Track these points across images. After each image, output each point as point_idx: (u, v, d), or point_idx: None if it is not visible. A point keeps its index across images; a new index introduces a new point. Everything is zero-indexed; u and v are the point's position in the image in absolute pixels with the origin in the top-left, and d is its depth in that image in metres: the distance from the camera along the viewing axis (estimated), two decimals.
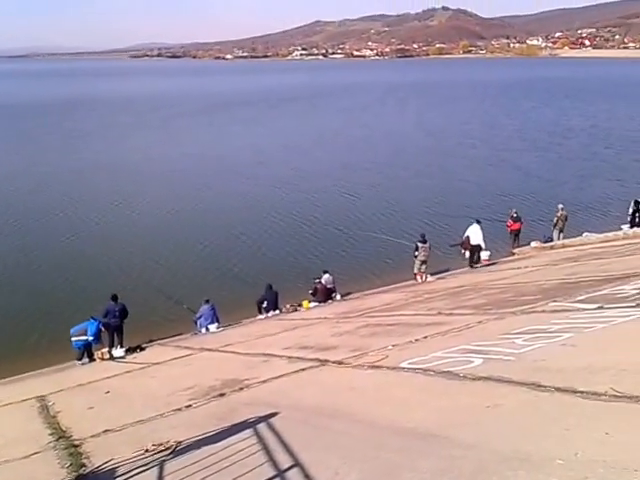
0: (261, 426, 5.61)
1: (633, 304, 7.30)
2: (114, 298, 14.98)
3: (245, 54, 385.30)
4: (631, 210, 21.66)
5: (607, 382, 4.58)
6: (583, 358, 5.55)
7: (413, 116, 65.63)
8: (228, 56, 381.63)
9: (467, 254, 19.68)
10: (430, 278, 18.57)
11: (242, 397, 7.23)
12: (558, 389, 4.76)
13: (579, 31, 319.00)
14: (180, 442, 5.47)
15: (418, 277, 18.67)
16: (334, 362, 8.01)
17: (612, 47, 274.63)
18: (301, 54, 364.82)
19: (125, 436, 6.22)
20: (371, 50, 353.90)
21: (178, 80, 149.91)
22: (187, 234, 24.78)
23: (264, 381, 7.69)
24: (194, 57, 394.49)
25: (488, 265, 19.29)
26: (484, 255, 19.60)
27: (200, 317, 15.85)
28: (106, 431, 6.46)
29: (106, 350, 14.17)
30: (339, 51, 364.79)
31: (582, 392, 4.54)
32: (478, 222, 19.85)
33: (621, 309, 7.20)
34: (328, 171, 37.34)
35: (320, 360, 8.29)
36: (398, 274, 19.48)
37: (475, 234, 19.44)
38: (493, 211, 23.66)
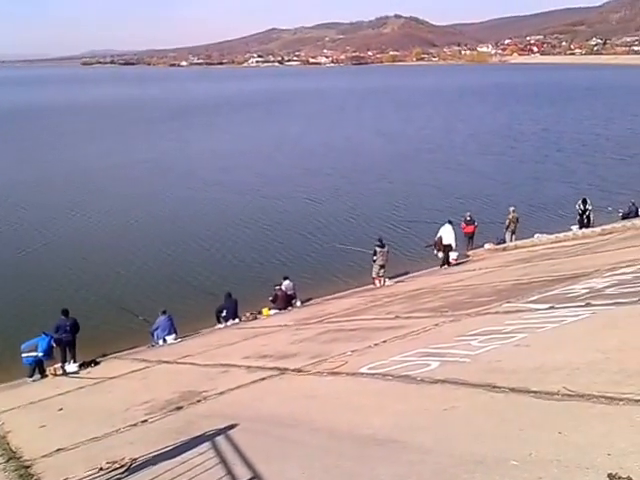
0: (219, 439, 5.51)
1: (582, 303, 7.45)
2: (65, 313, 14.56)
3: (200, 61, 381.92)
4: (579, 209, 22.24)
5: (560, 381, 4.65)
6: (536, 358, 5.63)
7: (372, 122, 66.08)
8: (183, 63, 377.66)
9: (440, 254, 20.06)
10: (389, 282, 18.71)
11: (200, 410, 7.11)
12: (512, 390, 4.81)
13: (527, 38, 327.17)
14: (135, 459, 5.33)
15: (377, 281, 18.78)
16: (294, 370, 7.95)
17: (559, 53, 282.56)
18: (257, 61, 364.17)
19: (78, 455, 6.03)
20: (327, 57, 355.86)
21: (131, 88, 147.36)
22: (141, 243, 24.38)
23: (222, 392, 7.59)
24: (148, 64, 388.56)
25: (456, 265, 19.65)
26: (453, 255, 20.00)
27: (157, 328, 15.51)
28: (58, 450, 6.25)
29: (59, 366, 13.77)
30: (295, 58, 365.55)
31: (536, 392, 4.60)
32: (450, 222, 20.29)
33: (571, 309, 7.34)
34: (289, 177, 37.37)
35: (279, 369, 8.22)
36: (358, 278, 19.56)
37: (447, 234, 19.87)
38: (450, 214, 23.86)
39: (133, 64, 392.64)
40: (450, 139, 51.75)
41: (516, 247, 20.32)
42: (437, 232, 20.24)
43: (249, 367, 8.88)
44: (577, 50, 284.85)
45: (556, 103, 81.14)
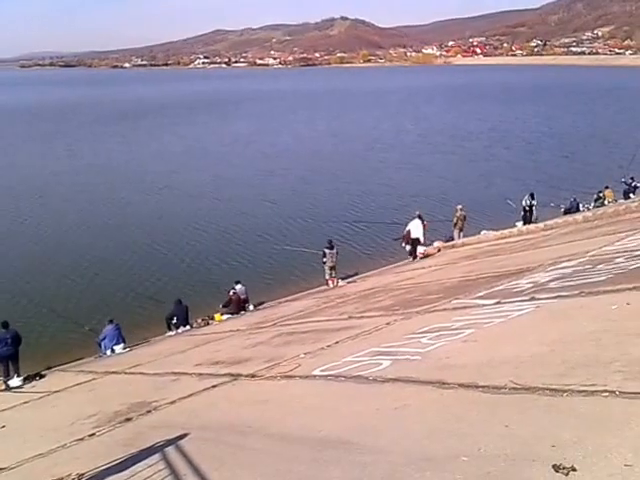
0: (169, 449, 5.40)
1: (527, 298, 7.62)
2: (4, 325, 13.95)
3: (144, 62, 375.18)
4: (526, 204, 22.87)
5: (507, 375, 4.73)
6: (484, 353, 5.73)
7: (323, 123, 66.36)
8: (126, 65, 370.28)
9: (408, 247, 20.46)
10: (342, 282, 18.79)
11: (150, 420, 6.96)
12: (461, 385, 4.87)
13: (470, 40, 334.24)
14: (82, 474, 5.17)
15: (330, 282, 18.84)
16: (246, 375, 7.88)
17: (501, 54, 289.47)
18: (203, 62, 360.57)
19: (22, 473, 5.81)
20: (274, 59, 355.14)
21: (72, 90, 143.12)
22: (86, 250, 23.65)
23: (173, 401, 7.44)
24: (89, 66, 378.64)
25: (423, 258, 20.02)
26: (420, 249, 20.37)
27: (104, 338, 15.08)
28: (0, 470, 6.01)
29: (1, 381, 13.26)
30: (242, 60, 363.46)
31: (484, 387, 4.67)
32: (420, 217, 20.70)
33: (517, 303, 7.50)
34: (240, 178, 37.09)
35: (232, 374, 8.13)
36: (311, 280, 19.58)
37: (415, 228, 20.25)
38: (403, 213, 24.13)
39: (74, 66, 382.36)
40: (400, 139, 52.47)
41: (463, 244, 20.68)
42: (405, 226, 20.64)
43: (201, 374, 8.75)
44: (518, 51, 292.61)
45: (501, 103, 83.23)
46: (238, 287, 17.64)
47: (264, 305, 17.86)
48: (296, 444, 4.88)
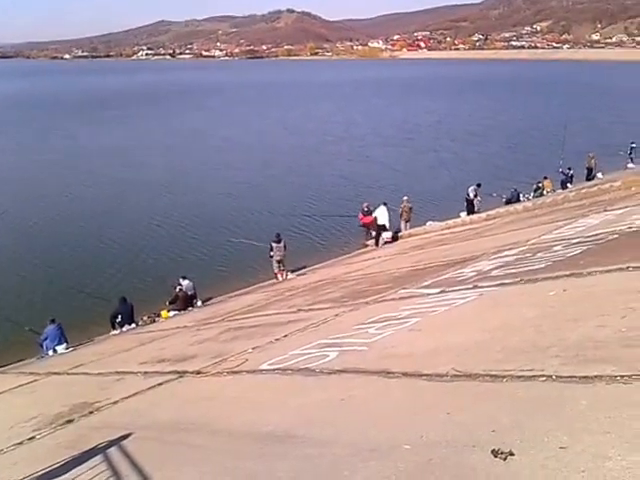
0: (112, 450, 5.29)
1: (470, 286, 7.77)
2: None
3: (85, 54, 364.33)
4: (473, 193, 23.34)
5: (450, 363, 4.80)
6: (428, 341, 5.81)
7: (274, 115, 65.78)
8: (66, 56, 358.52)
9: (374, 233, 21.11)
10: (291, 275, 18.74)
11: (92, 421, 6.78)
12: (406, 374, 4.92)
13: (415, 34, 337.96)
14: None
15: (279, 275, 18.77)
16: (192, 372, 7.76)
17: (445, 48, 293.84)
18: (147, 54, 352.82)
19: None
20: (220, 50, 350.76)
21: (9, 82, 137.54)
22: (25, 247, 22.73)
23: (117, 401, 7.26)
24: (28, 57, 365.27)
25: (388, 243, 20.62)
26: (386, 235, 20.97)
27: (46, 338, 14.56)
28: None
29: None
30: (187, 51, 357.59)
31: (427, 375, 4.72)
32: (385, 204, 21.33)
33: (461, 291, 7.64)
34: (191, 172, 36.44)
35: (178, 372, 8.00)
36: (261, 274, 19.42)
37: (381, 215, 20.89)
38: (354, 204, 24.07)
39: (11, 57, 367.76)
40: (351, 131, 52.61)
41: (410, 235, 20.97)
42: (372, 213, 21.09)
43: (146, 373, 8.57)
44: (461, 45, 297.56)
45: (446, 96, 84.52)
46: (185, 283, 17.34)
47: (212, 300, 17.63)
48: (242, 440, 4.83)
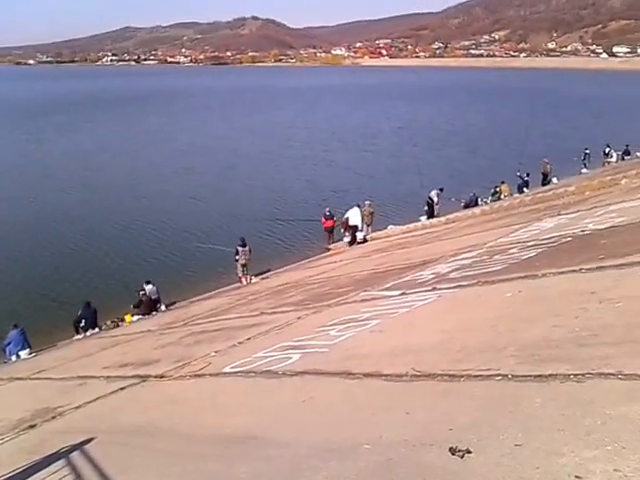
0: (75, 454, 5.20)
1: (430, 288, 7.84)
2: None
3: (50, 59, 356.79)
4: (436, 198, 23.59)
5: (409, 363, 4.82)
6: (388, 342, 5.83)
7: (239, 120, 65.45)
8: (30, 61, 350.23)
9: (347, 234, 21.33)
10: (255, 279, 18.62)
11: (55, 426, 6.66)
12: (366, 375, 4.92)
13: (377, 42, 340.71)
14: None
15: (243, 279, 18.64)
16: (156, 376, 7.66)
17: (406, 56, 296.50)
18: (111, 60, 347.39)
19: None
20: (185, 57, 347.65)
21: None
22: None
23: (79, 406, 7.14)
24: None
25: (361, 243, 20.74)
26: (359, 235, 21.08)
27: (9, 344, 14.24)
28: None
29: None
30: (152, 57, 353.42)
31: (387, 375, 4.73)
32: (358, 206, 21.61)
33: (420, 293, 7.70)
34: (156, 176, 36.00)
35: (141, 376, 7.90)
36: (224, 278, 19.23)
37: (354, 216, 21.14)
38: (319, 208, 24.08)
39: None
40: (315, 136, 52.71)
41: (372, 239, 21.07)
42: (344, 214, 21.40)
43: (109, 377, 8.43)
44: (422, 53, 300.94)
45: (407, 102, 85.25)
46: (148, 287, 17.08)
47: (176, 305, 17.39)
48: (205, 442, 4.79)
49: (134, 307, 16.63)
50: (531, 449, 2.90)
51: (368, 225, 22.41)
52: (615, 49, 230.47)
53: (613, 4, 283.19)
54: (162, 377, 7.51)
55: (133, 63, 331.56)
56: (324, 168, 38.60)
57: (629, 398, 3.12)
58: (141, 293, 16.85)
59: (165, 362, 8.40)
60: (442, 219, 20.84)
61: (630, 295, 5.02)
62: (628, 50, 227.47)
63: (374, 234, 21.75)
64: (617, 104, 72.88)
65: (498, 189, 25.66)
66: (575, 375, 3.63)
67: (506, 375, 3.97)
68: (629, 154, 32.99)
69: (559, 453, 2.77)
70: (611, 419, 2.96)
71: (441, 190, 24.10)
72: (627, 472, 2.44)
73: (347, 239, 21.31)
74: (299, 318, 8.85)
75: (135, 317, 16.38)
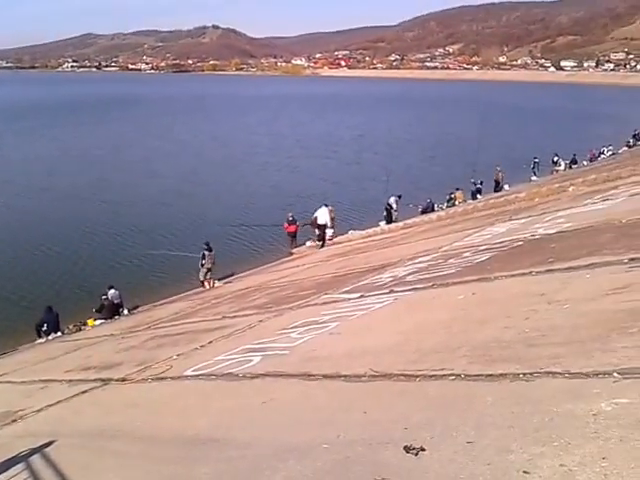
0: (34, 458, 5.08)
1: (387, 291, 7.89)
2: None
3: (10, 65, 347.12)
4: (395, 205, 23.79)
5: (367, 364, 4.83)
6: (347, 344, 5.84)
7: (203, 127, 64.66)
8: None
9: (317, 231, 21.67)
10: (218, 283, 18.43)
11: (15, 430, 6.50)
12: (325, 376, 4.92)
13: (336, 53, 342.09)
14: None
15: (206, 284, 18.42)
16: (117, 380, 7.53)
17: (364, 67, 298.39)
18: (72, 66, 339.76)
19: None
20: (146, 64, 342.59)
21: None
22: None
23: (40, 410, 6.96)
24: None
25: (330, 240, 21.26)
26: (329, 232, 21.49)
27: None
28: None
29: None
30: (113, 64, 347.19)
31: (346, 376, 4.73)
32: (326, 205, 21.89)
33: (378, 296, 7.74)
34: (121, 182, 35.13)
35: (103, 379, 7.76)
36: (187, 282, 18.96)
37: (322, 215, 21.38)
38: (283, 213, 23.99)
39: None
40: (279, 144, 52.53)
41: (334, 243, 21.13)
42: (314, 213, 21.70)
43: (71, 381, 8.27)
44: (379, 65, 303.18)
45: (366, 111, 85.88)
46: (111, 292, 16.73)
47: (139, 309, 17.08)
48: (166, 445, 4.71)
49: (96, 311, 16.28)
50: (482, 446, 2.93)
51: (330, 229, 22.44)
52: (562, 63, 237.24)
53: (561, 20, 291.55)
54: (124, 380, 7.38)
55: (94, 70, 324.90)
56: (288, 174, 38.55)
57: (575, 396, 3.18)
58: (103, 297, 16.50)
59: (127, 365, 8.26)
60: (400, 224, 21.04)
61: (576, 297, 5.14)
62: (575, 64, 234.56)
63: (336, 239, 21.80)
64: (564, 115, 75.06)
65: (453, 195, 26.05)
66: (524, 374, 3.68)
67: (459, 375, 4.01)
68: (576, 163, 34.10)
69: (509, 450, 2.80)
70: (558, 416, 3.01)
71: (399, 197, 24.33)
72: (572, 467, 2.49)
73: (315, 239, 21.65)
74: (261, 321, 8.79)
75: (98, 321, 16.03)
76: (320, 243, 21.39)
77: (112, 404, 6.68)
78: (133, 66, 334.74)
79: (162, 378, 6.91)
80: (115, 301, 16.71)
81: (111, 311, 16.44)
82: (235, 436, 4.31)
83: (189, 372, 6.68)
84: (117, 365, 8.60)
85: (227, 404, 5.22)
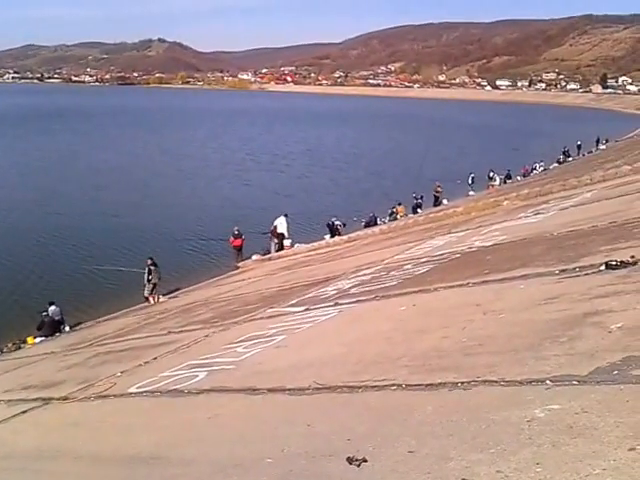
0: None
1: (332, 303, 7.93)
2: None
3: None
4: (337, 222, 23.98)
5: (311, 376, 4.82)
6: (292, 357, 5.83)
7: (152, 140, 63.42)
8: None
9: (275, 241, 22.10)
10: (163, 298, 18.05)
11: None
12: (270, 390, 4.88)
13: (282, 68, 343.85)
14: None
15: (151, 299, 18.02)
16: (59, 398, 7.25)
17: (309, 83, 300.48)
18: (13, 77, 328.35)
19: None
20: (90, 76, 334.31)
21: None
22: None
23: None
24: None
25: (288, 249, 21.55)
26: (286, 242, 21.84)
27: None
28: None
29: None
30: (56, 76, 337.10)
31: (290, 389, 4.71)
32: (285, 215, 22.30)
33: (323, 309, 7.77)
34: (66, 194, 34.03)
35: (44, 399, 7.45)
36: (132, 298, 18.44)
37: (280, 225, 21.86)
38: (230, 227, 23.78)
39: None
40: (229, 157, 52.24)
41: (280, 257, 21.08)
42: (272, 223, 22.13)
43: (10, 401, 7.91)
44: (324, 81, 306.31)
45: (313, 127, 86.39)
46: (52, 308, 16.11)
47: (81, 326, 16.49)
48: (108, 464, 4.57)
49: (37, 329, 15.64)
50: (422, 455, 2.97)
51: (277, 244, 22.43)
52: (498, 82, 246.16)
53: (496, 41, 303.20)
54: (66, 399, 7.12)
55: (36, 81, 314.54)
56: (238, 187, 38.40)
57: (510, 403, 3.26)
58: (43, 314, 15.88)
59: (69, 384, 7.98)
60: (344, 237, 21.22)
61: (511, 307, 5.31)
62: (509, 83, 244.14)
63: (282, 252, 21.77)
64: (499, 132, 77.79)
65: (395, 209, 26.49)
66: (462, 383, 3.75)
67: (400, 385, 4.06)
68: (510, 178, 35.37)
69: (448, 457, 2.84)
70: (494, 423, 3.07)
71: (343, 225, 24.47)
72: (508, 473, 2.54)
73: (274, 247, 22.01)
74: (207, 336, 8.67)
75: (38, 339, 15.40)
76: (277, 251, 21.65)
77: (53, 424, 6.44)
78: (76, 78, 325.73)
79: (105, 396, 6.71)
80: (56, 318, 16.10)
81: (52, 328, 15.82)
82: (179, 453, 4.22)
83: (133, 389, 6.51)
84: (58, 384, 8.29)
85: (171, 421, 5.10)
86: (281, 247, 21.69)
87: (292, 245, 21.80)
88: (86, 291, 19.48)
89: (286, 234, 21.89)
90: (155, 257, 18.72)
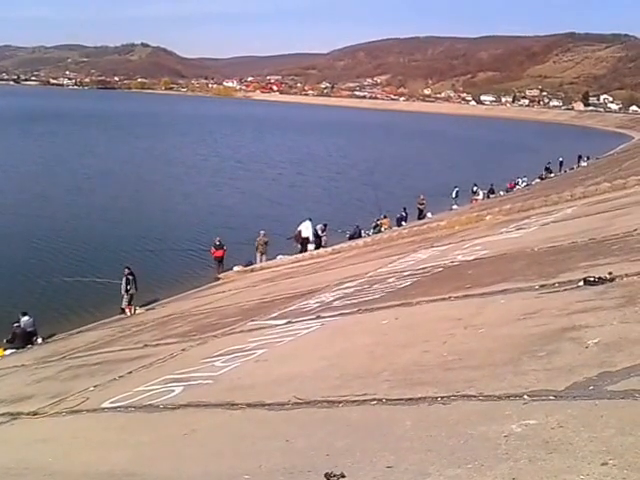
0: None
1: (314, 316, 7.95)
2: None
3: None
4: (320, 231, 24.04)
5: (291, 391, 4.83)
6: (272, 371, 5.83)
7: (138, 145, 63.25)
8: None
9: (299, 246, 22.40)
10: (139, 310, 17.92)
11: None
12: (249, 405, 4.88)
13: (268, 77, 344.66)
14: None
15: (127, 310, 17.89)
16: (28, 414, 7.15)
17: (295, 93, 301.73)
18: None
19: None
20: (69, 79, 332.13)
21: None
22: None
23: None
24: None
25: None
26: (310, 247, 22.17)
27: None
28: None
29: None
30: (33, 78, 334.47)
31: (269, 404, 4.72)
32: (310, 220, 22.72)
33: (305, 322, 7.78)
34: (44, 200, 33.63)
35: (12, 414, 7.36)
36: (107, 309, 18.28)
37: (306, 229, 22.23)
38: (211, 237, 23.63)
39: None
40: (221, 165, 52.38)
41: (262, 268, 21.05)
42: (297, 226, 22.51)
43: None
44: (310, 91, 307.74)
45: (303, 136, 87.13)
46: (24, 319, 15.90)
47: (55, 337, 16.26)
48: None
49: (8, 341, 15.43)
50: (401, 470, 2.99)
51: (262, 254, 22.39)
52: (482, 97, 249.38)
53: (481, 57, 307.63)
54: (35, 414, 7.03)
55: (12, 83, 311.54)
56: (229, 195, 38.40)
57: (488, 418, 3.31)
58: (15, 325, 15.67)
59: (40, 398, 7.88)
60: (328, 250, 21.26)
61: (491, 322, 5.38)
62: (493, 99, 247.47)
63: (264, 263, 21.75)
64: (483, 146, 78.78)
65: (379, 222, 26.64)
66: (442, 397, 3.79)
67: (381, 399, 4.09)
68: (494, 192, 35.87)
69: (426, 473, 2.87)
70: (472, 438, 3.11)
71: (325, 226, 24.59)
72: None
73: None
74: (184, 350, 8.63)
75: (8, 351, 15.18)
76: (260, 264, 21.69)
77: (22, 440, 6.34)
78: (55, 81, 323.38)
79: (77, 411, 6.64)
80: (28, 329, 15.89)
81: (24, 340, 15.62)
82: (154, 470, 4.20)
83: (107, 404, 6.45)
84: (28, 398, 8.19)
85: (146, 437, 5.07)
86: (305, 251, 22.04)
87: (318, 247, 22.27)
88: (61, 302, 19.25)
89: (311, 238, 22.34)
90: (132, 267, 18.59)
